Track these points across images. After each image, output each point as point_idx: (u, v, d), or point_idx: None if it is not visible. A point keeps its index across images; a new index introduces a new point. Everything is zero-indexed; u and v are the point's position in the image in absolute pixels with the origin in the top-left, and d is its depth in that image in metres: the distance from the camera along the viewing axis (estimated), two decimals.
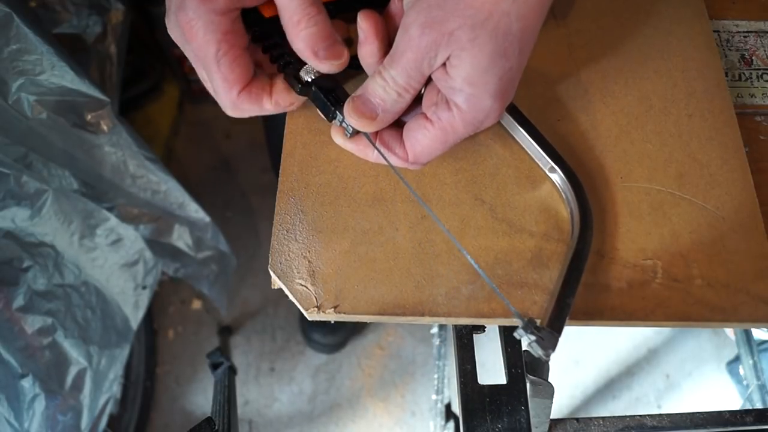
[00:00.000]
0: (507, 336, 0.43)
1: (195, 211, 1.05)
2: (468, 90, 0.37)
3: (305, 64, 0.41)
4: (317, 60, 0.39)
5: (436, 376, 1.02)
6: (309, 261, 0.42)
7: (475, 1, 0.34)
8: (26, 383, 0.77)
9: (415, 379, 1.30)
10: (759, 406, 0.83)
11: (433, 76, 0.38)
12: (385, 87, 0.39)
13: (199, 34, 0.37)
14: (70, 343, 0.83)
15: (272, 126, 0.98)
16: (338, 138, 0.43)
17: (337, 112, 0.41)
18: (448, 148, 0.40)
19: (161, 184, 0.99)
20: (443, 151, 0.41)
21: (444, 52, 0.36)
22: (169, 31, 0.39)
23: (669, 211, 0.44)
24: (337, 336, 1.30)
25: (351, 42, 0.44)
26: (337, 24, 0.44)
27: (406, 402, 1.28)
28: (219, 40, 0.37)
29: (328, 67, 0.40)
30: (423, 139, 0.40)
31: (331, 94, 0.41)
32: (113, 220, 0.91)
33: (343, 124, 0.41)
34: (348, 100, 0.40)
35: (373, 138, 0.42)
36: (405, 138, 0.41)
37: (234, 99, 0.40)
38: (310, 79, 0.41)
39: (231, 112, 0.42)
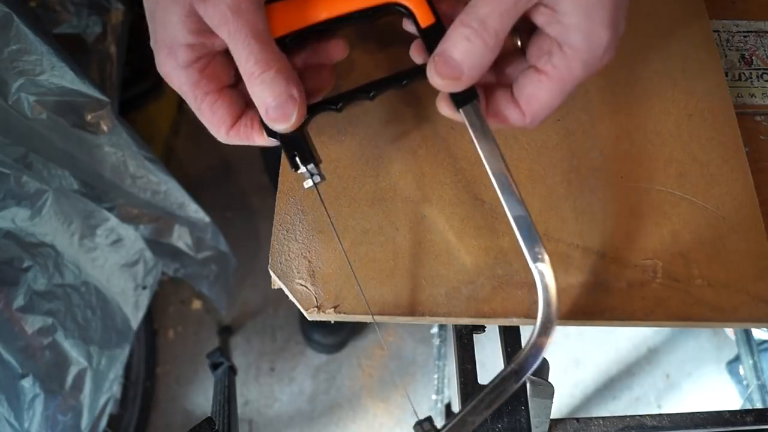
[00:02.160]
0: (507, 336, 0.43)
1: (195, 211, 1.05)
2: (583, 24, 0.34)
3: None
4: (266, 118, 0.35)
5: (436, 376, 1.02)
6: (309, 261, 0.42)
7: None
8: (26, 383, 0.77)
9: (416, 379, 1.30)
10: (759, 406, 0.83)
11: (536, 20, 0.35)
12: (470, 36, 0.34)
13: (175, 85, 0.36)
14: (70, 343, 0.83)
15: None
16: (445, 110, 0.39)
17: (301, 164, 0.37)
18: (566, 97, 0.37)
19: (161, 185, 0.99)
20: (562, 102, 0.37)
21: None
22: None
23: (669, 211, 0.44)
24: (337, 336, 1.30)
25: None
26: (336, 45, 0.39)
27: (406, 402, 1.28)
28: (192, 90, 0.36)
29: (276, 127, 0.36)
30: (539, 92, 0.36)
31: (296, 144, 0.37)
32: (113, 221, 0.91)
33: (312, 179, 0.37)
34: (430, 61, 0.36)
35: (483, 106, 0.37)
36: (517, 96, 0.37)
37: (224, 137, 0.38)
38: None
39: (225, 142, 0.40)
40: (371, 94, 0.38)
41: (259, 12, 0.34)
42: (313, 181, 0.37)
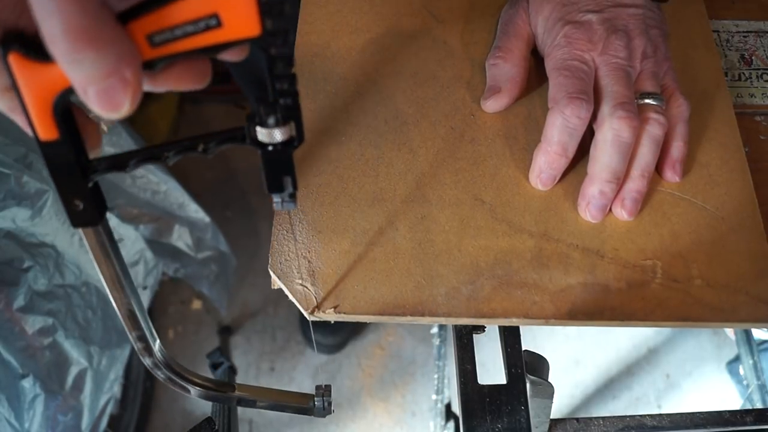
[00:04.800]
0: (507, 336, 0.43)
1: (195, 211, 1.05)
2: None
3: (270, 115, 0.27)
4: (87, 100, 0.23)
5: (436, 376, 1.02)
6: (309, 261, 0.42)
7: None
8: (27, 383, 0.77)
9: (416, 379, 1.30)
10: (759, 406, 0.83)
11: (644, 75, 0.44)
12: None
13: None
14: (70, 343, 0.83)
15: None
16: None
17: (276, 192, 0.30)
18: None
19: (161, 185, 0.99)
20: None
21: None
22: None
23: (669, 212, 0.44)
24: (337, 336, 1.30)
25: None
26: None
27: (406, 402, 1.28)
28: None
29: (104, 115, 0.24)
30: (680, 142, 0.44)
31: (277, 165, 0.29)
32: (113, 220, 0.92)
33: (283, 205, 0.31)
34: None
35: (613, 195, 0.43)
36: (667, 157, 0.44)
37: None
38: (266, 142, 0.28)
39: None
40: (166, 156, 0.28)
41: None
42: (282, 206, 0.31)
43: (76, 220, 0.28)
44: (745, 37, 0.55)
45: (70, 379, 0.83)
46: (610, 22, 0.44)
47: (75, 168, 0.26)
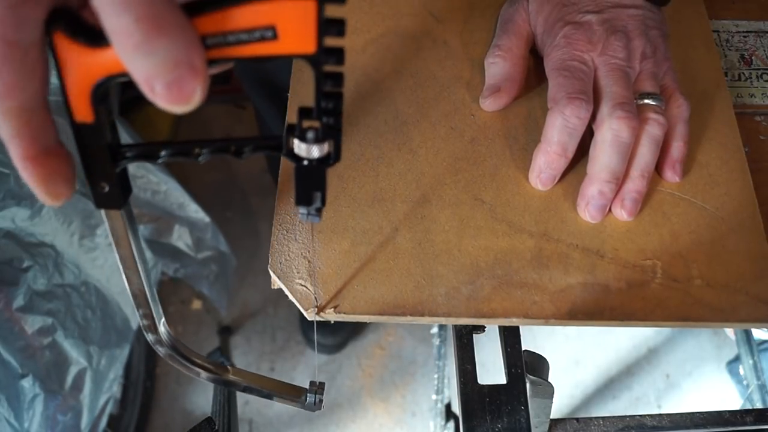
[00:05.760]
0: (507, 336, 0.43)
1: (195, 211, 1.05)
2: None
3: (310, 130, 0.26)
4: (153, 96, 0.22)
5: (436, 376, 1.02)
6: (309, 261, 0.42)
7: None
8: (26, 383, 0.77)
9: (416, 379, 1.30)
10: (759, 406, 0.83)
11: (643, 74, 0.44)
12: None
13: None
14: (70, 343, 0.83)
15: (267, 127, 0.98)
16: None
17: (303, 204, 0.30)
18: None
19: (161, 184, 0.99)
20: None
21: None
22: None
23: (668, 212, 0.44)
24: (337, 337, 1.30)
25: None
26: None
27: (406, 402, 1.28)
28: None
29: (172, 108, 0.23)
30: (680, 142, 0.44)
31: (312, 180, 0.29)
32: None
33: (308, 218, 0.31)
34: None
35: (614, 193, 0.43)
36: (666, 158, 0.44)
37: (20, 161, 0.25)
38: (305, 156, 0.27)
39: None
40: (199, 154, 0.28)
41: None
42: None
43: (101, 201, 0.28)
44: (745, 37, 0.55)
45: (69, 379, 0.83)
46: (609, 23, 0.44)
47: (106, 152, 0.26)
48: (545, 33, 0.47)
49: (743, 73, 0.53)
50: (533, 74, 0.49)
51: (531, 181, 0.44)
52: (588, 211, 0.43)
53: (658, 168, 0.45)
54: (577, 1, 0.46)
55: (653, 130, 0.42)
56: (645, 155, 0.43)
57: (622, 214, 0.43)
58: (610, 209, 0.43)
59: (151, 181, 0.96)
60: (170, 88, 0.22)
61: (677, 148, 0.44)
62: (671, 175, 0.44)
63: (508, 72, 0.47)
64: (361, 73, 0.50)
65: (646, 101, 0.43)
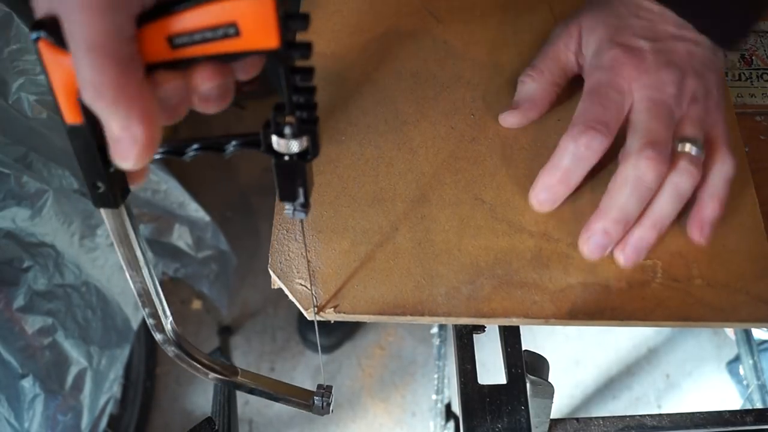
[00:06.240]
0: (507, 336, 0.43)
1: (195, 210, 1.05)
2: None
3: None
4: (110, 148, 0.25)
5: (436, 376, 1.02)
6: (309, 261, 0.42)
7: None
8: (26, 383, 0.77)
9: (416, 379, 1.30)
10: (759, 406, 0.83)
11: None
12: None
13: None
14: (70, 343, 0.83)
15: None
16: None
17: (289, 201, 0.30)
18: None
19: (161, 184, 0.99)
20: None
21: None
22: None
23: None
24: (332, 337, 1.30)
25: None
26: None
27: (406, 402, 1.28)
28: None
29: (118, 163, 0.26)
30: (715, 202, 0.40)
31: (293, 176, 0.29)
32: None
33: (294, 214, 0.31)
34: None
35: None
36: (696, 215, 0.40)
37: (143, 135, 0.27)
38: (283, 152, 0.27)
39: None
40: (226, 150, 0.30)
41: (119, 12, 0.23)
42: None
43: (97, 200, 0.28)
44: None
45: (69, 379, 0.83)
46: (664, 54, 0.41)
47: (97, 153, 0.26)
48: (594, 54, 0.43)
49: (743, 73, 0.53)
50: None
51: (530, 200, 0.42)
52: (587, 246, 0.40)
53: (687, 222, 0.41)
54: (634, 25, 0.42)
55: (681, 180, 0.38)
56: (663, 206, 0.39)
57: (620, 259, 0.40)
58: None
59: (151, 180, 0.96)
60: (115, 144, 0.25)
61: (710, 208, 0.40)
62: (697, 236, 0.40)
63: (533, 94, 0.45)
64: (361, 73, 0.50)
65: (684, 148, 0.39)
